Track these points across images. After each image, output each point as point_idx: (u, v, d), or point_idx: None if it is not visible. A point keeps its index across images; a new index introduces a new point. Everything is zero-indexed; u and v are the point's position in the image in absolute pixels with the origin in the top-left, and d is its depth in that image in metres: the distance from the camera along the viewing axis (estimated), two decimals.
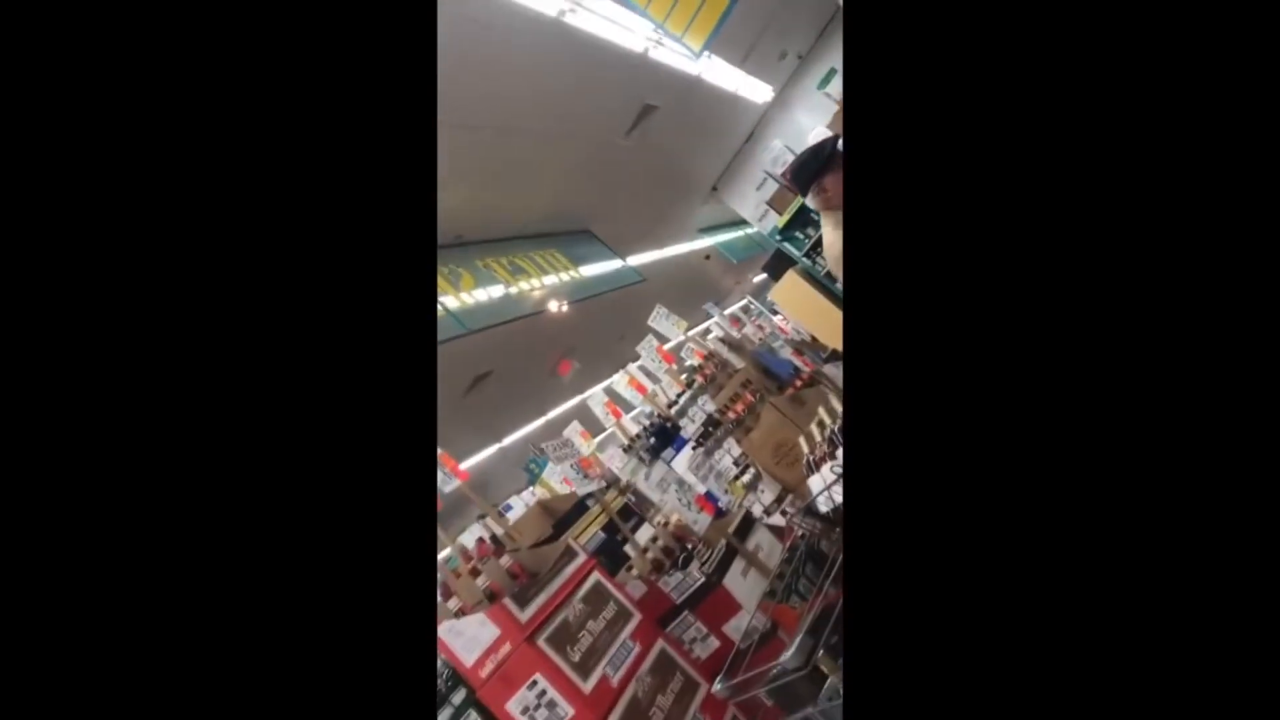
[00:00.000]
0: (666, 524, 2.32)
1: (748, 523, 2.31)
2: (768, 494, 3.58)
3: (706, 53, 4.96)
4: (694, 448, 3.99)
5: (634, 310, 4.85)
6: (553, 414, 7.89)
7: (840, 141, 1.95)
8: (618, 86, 4.35)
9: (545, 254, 4.79)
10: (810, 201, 2.05)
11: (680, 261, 8.17)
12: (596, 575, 1.86)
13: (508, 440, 7.33)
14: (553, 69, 3.53)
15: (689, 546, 2.17)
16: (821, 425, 1.85)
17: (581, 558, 1.88)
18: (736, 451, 3.70)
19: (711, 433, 3.89)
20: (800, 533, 1.91)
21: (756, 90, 6.42)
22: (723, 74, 5.51)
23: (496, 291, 4.18)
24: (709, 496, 2.73)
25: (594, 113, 4.24)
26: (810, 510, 1.77)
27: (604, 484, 3.54)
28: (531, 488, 4.34)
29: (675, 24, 2.75)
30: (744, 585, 1.96)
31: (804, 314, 6.70)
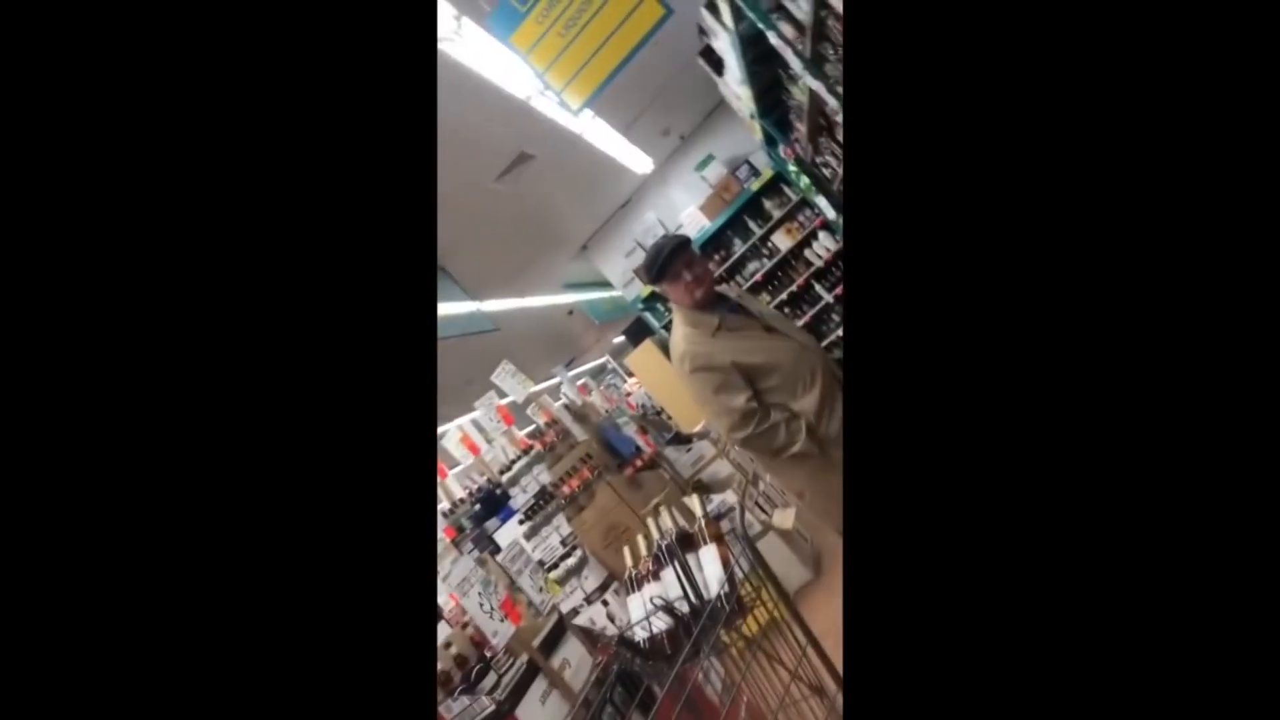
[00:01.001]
0: (465, 625, 2.01)
1: (558, 630, 2.05)
2: (591, 580, 3.34)
3: (589, 113, 4.91)
4: (521, 521, 3.68)
5: (486, 354, 4.54)
6: None
7: (679, 244, 1.91)
8: (493, 128, 4.14)
9: None
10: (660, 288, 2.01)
11: (542, 313, 7.95)
12: None
13: None
14: None
15: (487, 655, 1.88)
16: (648, 539, 1.67)
17: None
18: (566, 530, 3.45)
19: (542, 506, 3.62)
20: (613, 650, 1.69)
21: (637, 160, 6.49)
22: (605, 137, 5.49)
23: None
24: (518, 590, 2.45)
25: (462, 148, 3.99)
26: (624, 640, 1.56)
27: None
28: None
29: (557, 77, 2.61)
30: (542, 714, 1.69)
31: (656, 384, 6.72)
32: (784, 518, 3.37)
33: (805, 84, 2.90)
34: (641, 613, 1.57)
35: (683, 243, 1.93)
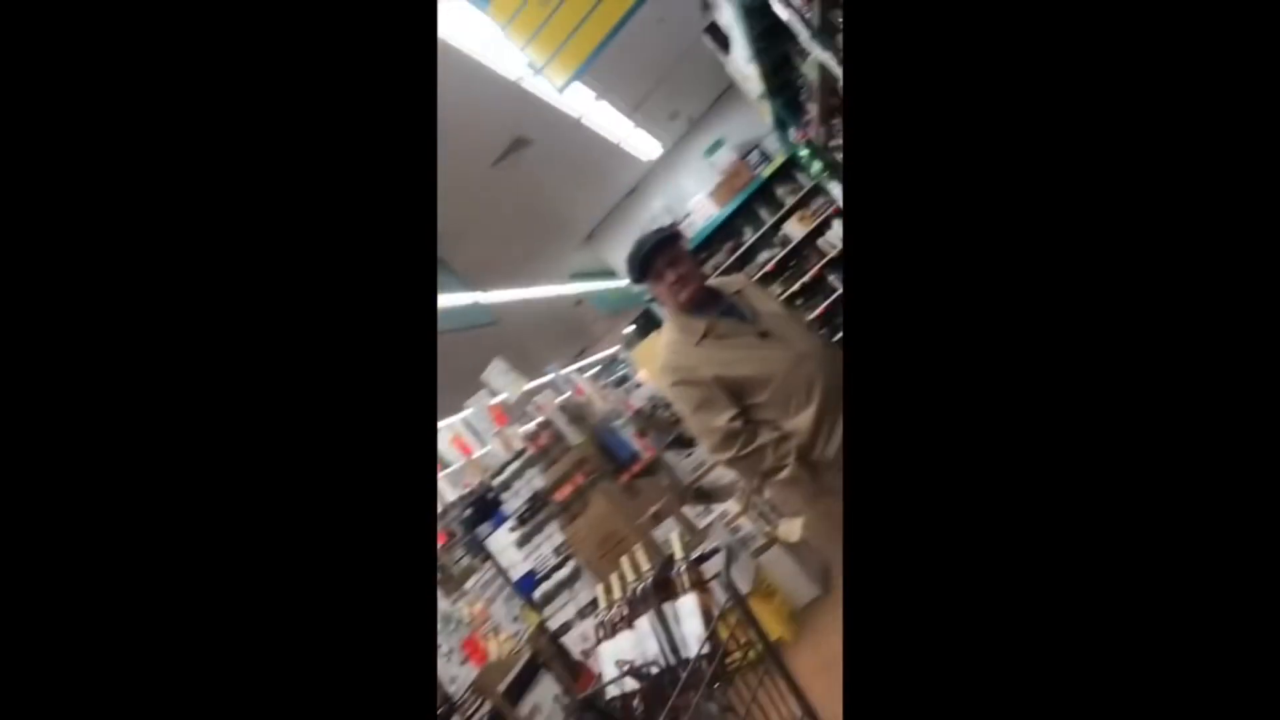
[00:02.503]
0: None
1: (530, 670, 1.85)
2: (585, 594, 3.16)
3: (592, 95, 4.67)
4: (512, 529, 3.50)
5: (490, 348, 4.33)
6: None
7: (661, 239, 1.68)
8: (484, 112, 3.92)
9: None
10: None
11: (548, 305, 7.76)
12: None
13: None
14: None
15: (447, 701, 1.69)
16: (622, 578, 1.46)
17: None
18: (558, 539, 3.26)
19: (535, 513, 3.43)
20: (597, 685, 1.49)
21: (643, 145, 6.24)
22: (610, 121, 5.25)
23: None
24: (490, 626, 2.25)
25: (453, 132, 3.77)
26: (592, 704, 1.35)
27: None
28: None
29: (539, 51, 2.37)
30: None
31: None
32: (791, 529, 3.15)
33: (815, 59, 2.65)
34: (613, 668, 1.36)
35: (666, 238, 1.70)
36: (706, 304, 1.72)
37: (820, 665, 2.27)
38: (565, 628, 3.01)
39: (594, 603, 3.13)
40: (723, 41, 4.09)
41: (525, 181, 5.03)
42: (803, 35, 2.24)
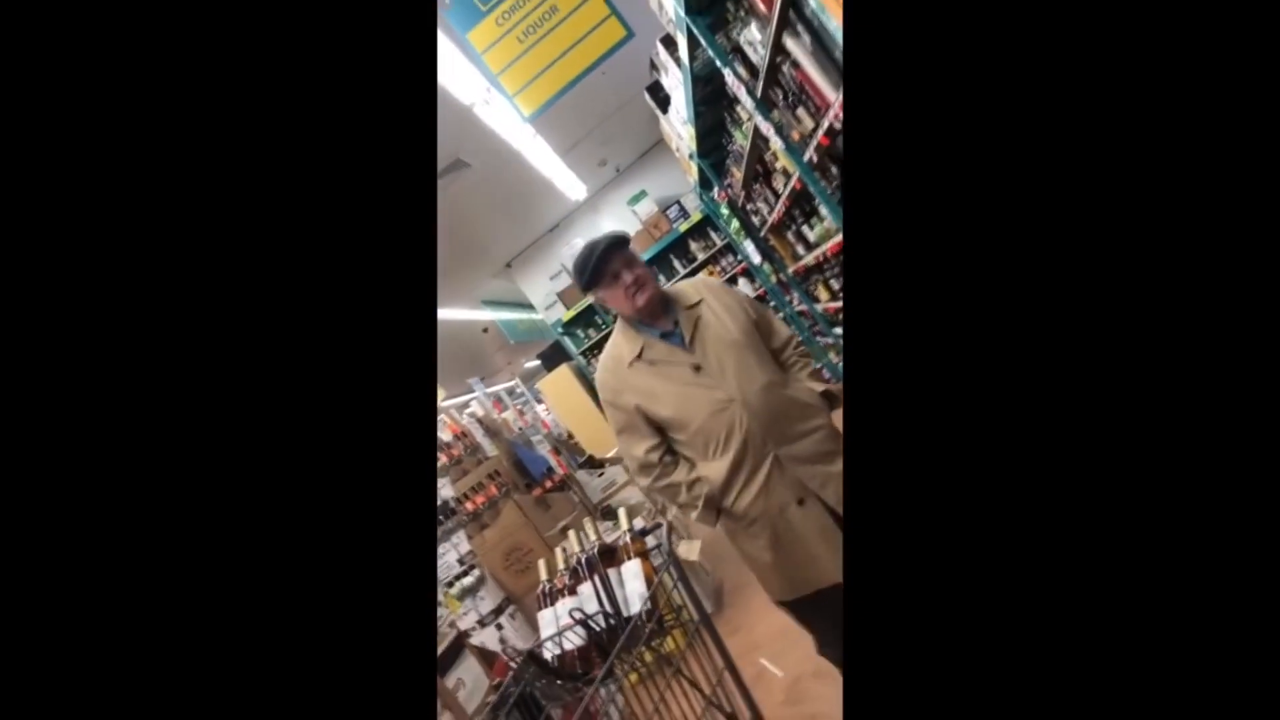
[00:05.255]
0: None
1: (455, 648, 1.92)
2: (488, 601, 3.19)
3: (531, 131, 4.89)
4: None
5: None
6: None
7: (615, 239, 1.58)
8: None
9: None
10: (593, 299, 1.67)
11: (455, 328, 7.72)
12: None
13: None
14: None
15: None
16: (565, 552, 1.60)
17: None
18: (465, 548, 3.29)
19: (442, 521, 3.44)
20: (513, 670, 1.59)
21: (571, 185, 6.51)
22: (544, 158, 5.48)
23: None
24: None
25: None
26: (535, 656, 1.47)
27: None
28: None
29: (510, 81, 2.57)
30: None
31: (567, 411, 6.63)
32: (689, 549, 3.36)
33: (750, 127, 3.01)
34: (553, 629, 1.49)
35: (620, 239, 1.59)
36: (658, 315, 1.61)
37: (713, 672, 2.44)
38: (467, 635, 3.02)
39: (496, 611, 3.17)
40: (662, 102, 4.46)
41: (456, 202, 5.13)
42: (747, 103, 2.57)
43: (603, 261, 1.57)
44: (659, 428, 1.60)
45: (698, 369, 1.56)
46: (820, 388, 1.60)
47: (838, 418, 1.38)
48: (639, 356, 1.59)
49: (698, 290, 1.67)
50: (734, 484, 1.54)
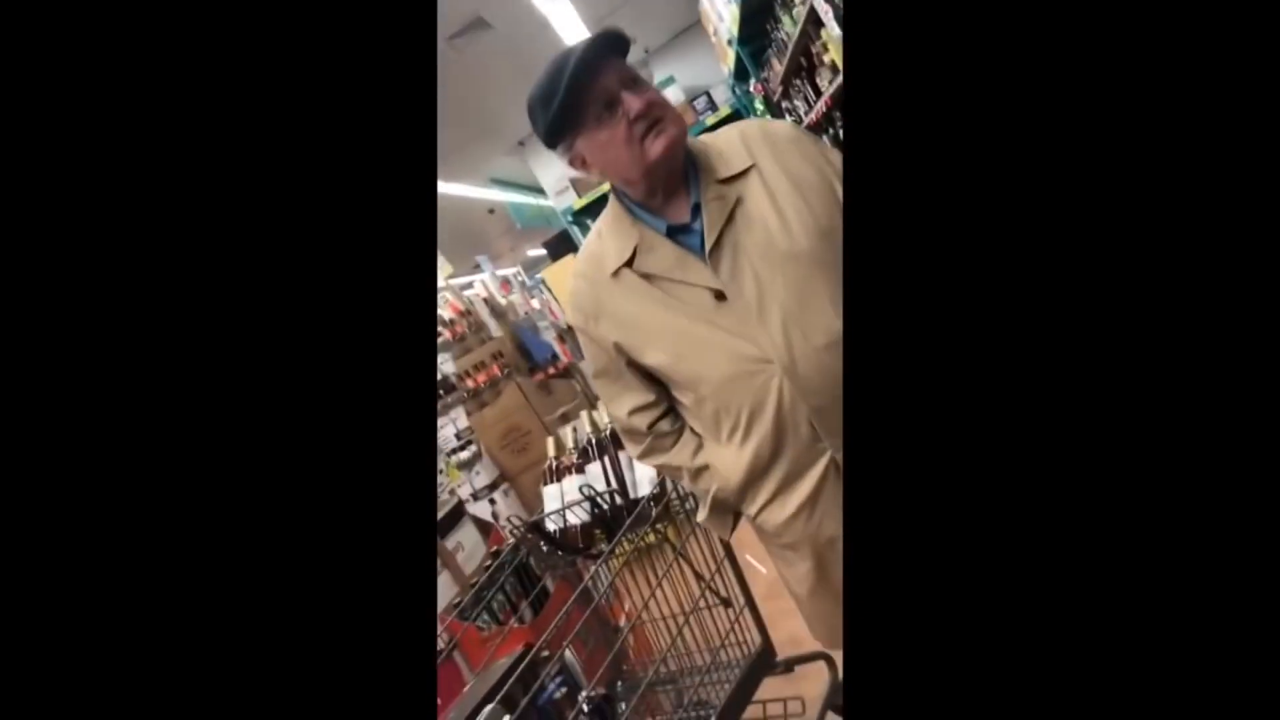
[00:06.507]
0: None
1: (455, 514, 1.96)
2: (482, 476, 3.26)
3: None
4: None
5: None
6: None
7: (605, 42, 0.91)
8: None
9: None
10: (564, 159, 0.99)
11: (459, 204, 7.50)
12: None
13: None
14: None
15: None
16: (576, 431, 1.59)
17: None
18: (463, 423, 3.32)
19: (441, 396, 3.45)
20: (512, 540, 1.63)
21: None
22: (572, 27, 5.11)
23: None
24: None
25: None
26: (538, 526, 1.49)
27: None
28: None
29: None
30: None
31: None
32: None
33: (803, 11, 2.78)
34: (557, 503, 1.50)
35: (613, 39, 0.92)
36: (674, 189, 0.96)
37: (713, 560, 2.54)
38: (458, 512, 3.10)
39: (490, 486, 3.24)
40: None
41: (472, 66, 4.82)
42: None
43: (586, 76, 0.88)
44: (648, 381, 1.03)
45: (720, 297, 0.92)
46: None
47: None
48: (629, 262, 0.96)
49: (747, 144, 0.98)
50: (759, 489, 0.99)
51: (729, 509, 1.06)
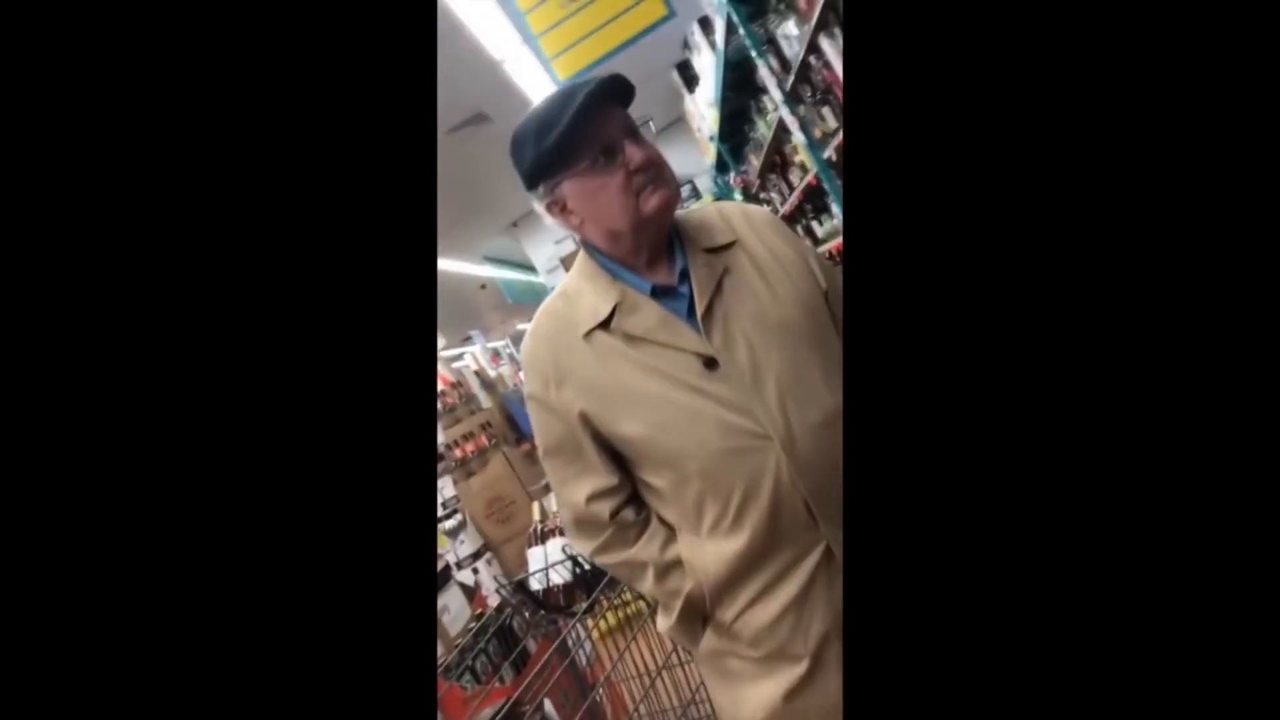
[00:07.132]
0: None
1: (442, 577, 2.04)
2: (467, 545, 3.31)
3: None
4: None
5: None
6: None
7: (609, 87, 0.88)
8: (458, 78, 4.05)
9: None
10: (541, 208, 0.94)
11: (452, 279, 7.76)
12: None
13: None
14: None
15: None
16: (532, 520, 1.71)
17: None
18: (449, 492, 3.40)
19: None
20: (496, 603, 1.71)
21: None
22: None
23: None
24: None
25: None
26: (522, 586, 1.59)
27: None
28: None
29: (550, 44, 2.62)
30: None
31: None
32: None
33: (774, 118, 3.08)
34: (542, 564, 1.60)
35: (618, 84, 0.89)
36: (658, 253, 0.92)
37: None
38: (445, 575, 3.15)
39: (474, 556, 3.30)
40: (689, 80, 4.51)
41: (471, 155, 5.15)
42: (775, 95, 2.65)
43: (592, 114, 0.84)
44: (613, 461, 0.91)
45: (711, 364, 0.86)
46: None
47: None
48: (606, 323, 0.89)
49: (728, 220, 0.96)
50: (743, 588, 0.88)
51: (700, 612, 0.90)
